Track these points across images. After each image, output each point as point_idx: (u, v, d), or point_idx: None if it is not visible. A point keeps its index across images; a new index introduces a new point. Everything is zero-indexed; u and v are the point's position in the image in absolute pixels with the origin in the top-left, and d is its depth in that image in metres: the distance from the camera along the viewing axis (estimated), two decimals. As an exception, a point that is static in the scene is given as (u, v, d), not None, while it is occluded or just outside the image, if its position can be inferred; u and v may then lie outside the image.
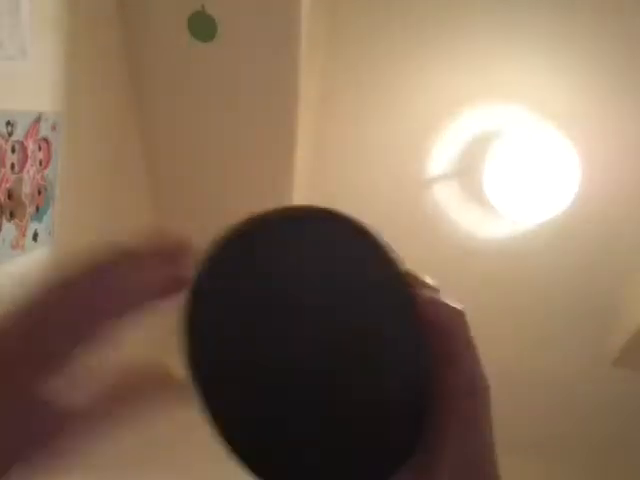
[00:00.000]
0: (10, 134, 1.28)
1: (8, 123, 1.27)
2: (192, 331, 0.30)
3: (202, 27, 1.56)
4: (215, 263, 0.30)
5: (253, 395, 0.30)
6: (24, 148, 1.33)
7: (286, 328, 0.30)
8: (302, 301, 0.30)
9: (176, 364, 0.31)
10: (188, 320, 0.30)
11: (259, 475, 0.30)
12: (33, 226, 1.41)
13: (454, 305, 0.31)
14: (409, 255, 0.34)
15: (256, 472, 0.30)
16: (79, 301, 0.28)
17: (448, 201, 1.89)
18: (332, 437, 0.30)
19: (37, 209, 1.42)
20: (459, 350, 0.30)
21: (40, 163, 1.40)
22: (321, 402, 0.30)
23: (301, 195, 1.82)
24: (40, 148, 1.39)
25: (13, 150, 1.30)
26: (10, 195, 1.31)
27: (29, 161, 1.36)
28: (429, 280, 0.34)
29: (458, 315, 0.31)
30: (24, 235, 1.39)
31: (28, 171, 1.36)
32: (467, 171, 1.85)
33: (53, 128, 1.42)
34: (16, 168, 1.32)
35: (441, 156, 1.84)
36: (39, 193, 1.41)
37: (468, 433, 0.30)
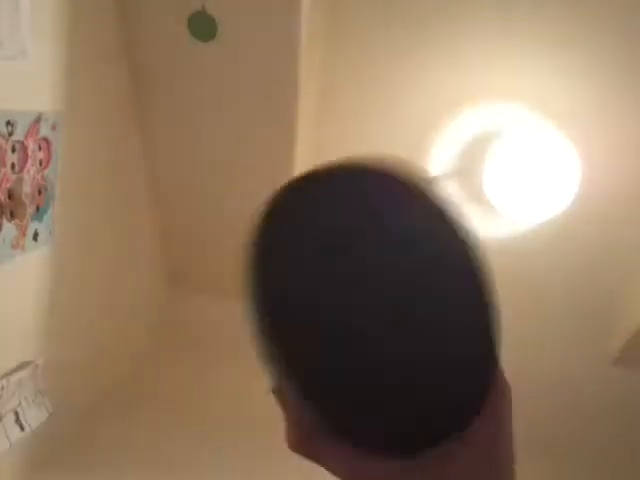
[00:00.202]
0: (10, 134, 1.28)
1: (8, 123, 1.27)
2: (256, 280, 0.30)
3: (202, 27, 1.56)
4: (279, 212, 0.30)
5: (316, 359, 0.30)
6: (24, 148, 1.33)
7: (351, 283, 0.29)
8: (363, 257, 0.29)
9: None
10: (252, 271, 0.30)
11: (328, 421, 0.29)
12: (33, 226, 1.41)
13: None
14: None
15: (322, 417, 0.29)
16: None
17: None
18: (395, 398, 0.29)
19: (37, 209, 1.42)
20: None
21: (40, 163, 1.40)
22: (384, 362, 0.29)
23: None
24: (40, 148, 1.39)
25: (13, 150, 1.30)
26: (10, 195, 1.31)
27: (29, 161, 1.36)
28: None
29: None
30: (24, 235, 1.38)
31: (28, 171, 1.36)
32: (467, 171, 1.84)
33: (53, 128, 1.42)
34: (16, 168, 1.32)
35: (441, 155, 1.84)
36: (39, 193, 1.41)
37: (501, 429, 0.32)
